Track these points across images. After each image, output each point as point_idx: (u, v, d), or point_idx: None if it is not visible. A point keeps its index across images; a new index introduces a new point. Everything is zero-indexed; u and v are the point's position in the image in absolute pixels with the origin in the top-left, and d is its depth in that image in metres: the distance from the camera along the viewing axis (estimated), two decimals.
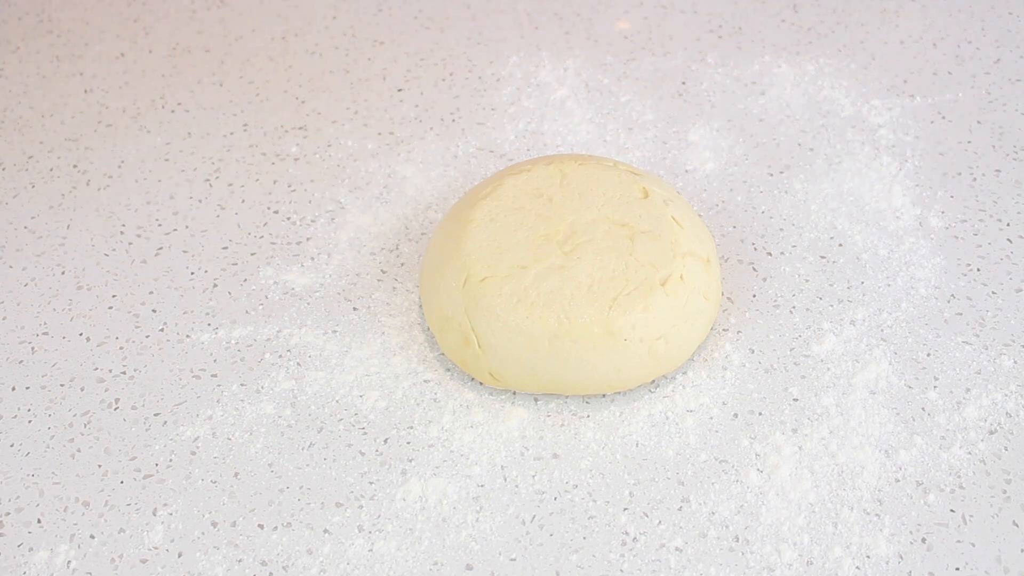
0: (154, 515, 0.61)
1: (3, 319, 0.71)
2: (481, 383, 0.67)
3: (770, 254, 0.74)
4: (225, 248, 0.75)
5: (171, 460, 0.63)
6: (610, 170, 0.76)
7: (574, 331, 0.65)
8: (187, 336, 0.70)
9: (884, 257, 0.73)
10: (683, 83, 0.87)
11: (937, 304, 0.70)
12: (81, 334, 0.70)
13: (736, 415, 0.65)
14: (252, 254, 0.75)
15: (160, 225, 0.77)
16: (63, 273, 0.74)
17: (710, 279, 0.70)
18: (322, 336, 0.69)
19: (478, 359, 0.66)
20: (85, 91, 0.88)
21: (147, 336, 0.70)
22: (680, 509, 0.60)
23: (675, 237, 0.70)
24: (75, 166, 0.81)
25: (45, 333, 0.70)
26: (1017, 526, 0.59)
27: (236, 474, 0.62)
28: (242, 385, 0.67)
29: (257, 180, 0.80)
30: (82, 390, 0.67)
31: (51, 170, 0.81)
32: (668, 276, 0.68)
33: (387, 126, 0.84)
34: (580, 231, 0.71)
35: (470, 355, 0.66)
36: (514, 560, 0.58)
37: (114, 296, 0.72)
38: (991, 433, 0.63)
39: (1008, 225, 0.75)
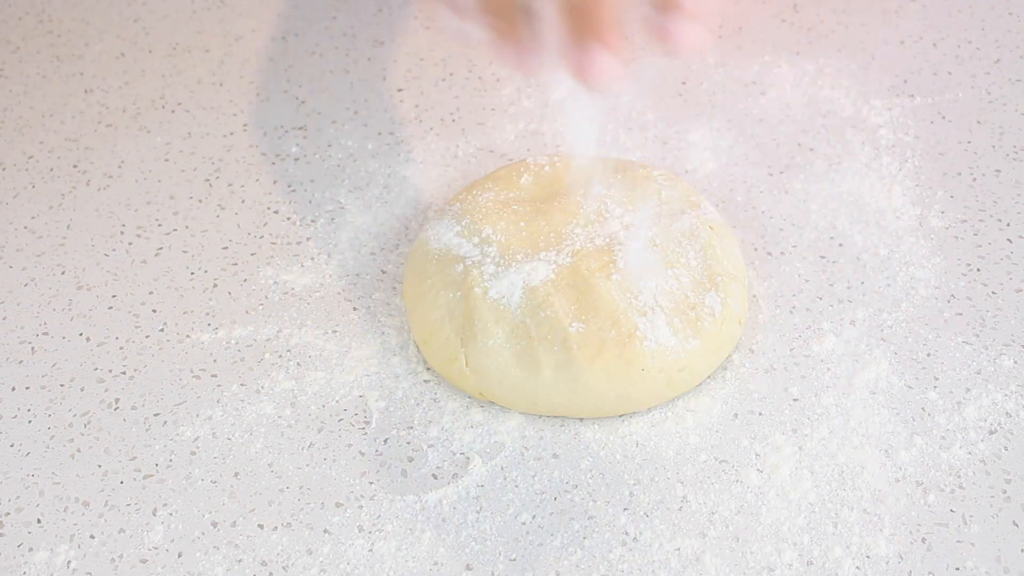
0: (154, 515, 0.61)
1: (3, 319, 0.71)
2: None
3: (770, 254, 0.74)
4: (225, 248, 0.75)
5: (171, 460, 0.63)
6: (638, 172, 0.72)
7: (583, 360, 0.62)
8: (187, 336, 0.70)
9: (884, 257, 0.73)
10: (683, 83, 0.87)
11: (937, 304, 0.70)
12: (81, 334, 0.70)
13: (736, 415, 0.65)
14: (252, 254, 0.75)
15: (160, 225, 0.77)
16: (63, 273, 0.74)
17: (745, 301, 0.67)
18: (322, 336, 0.69)
19: (466, 378, 0.64)
20: (85, 91, 0.88)
21: (147, 336, 0.70)
22: (680, 509, 0.60)
23: (712, 253, 0.67)
24: (75, 166, 0.81)
25: (45, 333, 0.70)
26: (1017, 526, 0.59)
27: (236, 474, 0.62)
28: (242, 385, 0.67)
29: (257, 180, 0.80)
30: (82, 390, 0.67)
31: (51, 170, 0.81)
32: (703, 300, 0.65)
33: (387, 126, 0.84)
34: (595, 241, 0.67)
35: (456, 371, 0.65)
36: (514, 560, 0.58)
37: (114, 296, 0.72)
38: (991, 433, 0.63)
39: (1008, 225, 0.75)
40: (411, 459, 0.63)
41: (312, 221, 0.77)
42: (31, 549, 0.59)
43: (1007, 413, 0.64)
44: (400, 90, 0.87)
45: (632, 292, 0.64)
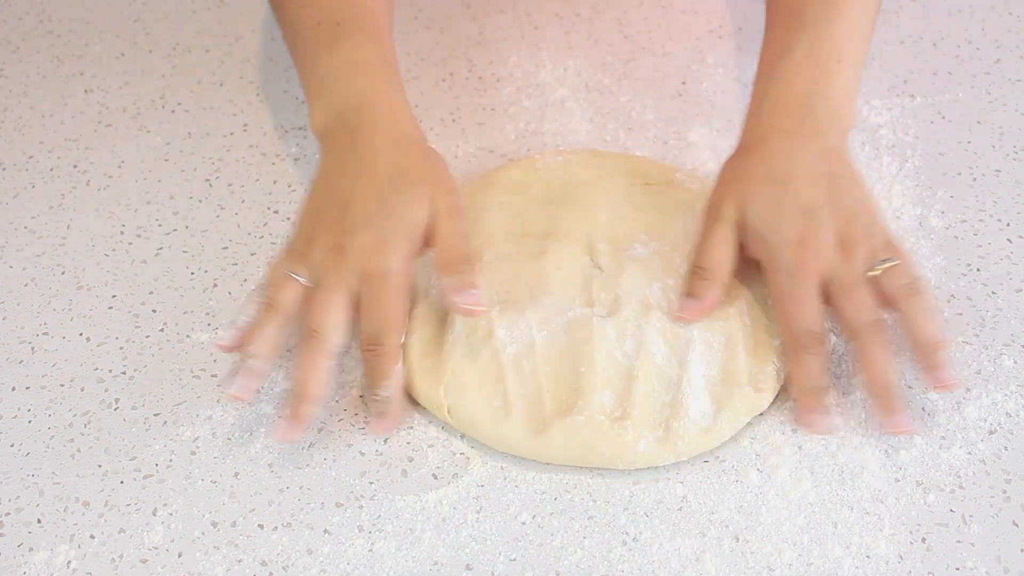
0: (154, 515, 0.61)
1: (3, 319, 0.71)
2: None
3: None
4: (225, 248, 0.75)
5: (171, 460, 0.63)
6: (663, 180, 0.70)
7: (610, 433, 0.59)
8: (187, 336, 0.70)
9: None
10: (683, 83, 0.87)
11: (937, 304, 0.70)
12: (81, 334, 0.70)
13: None
14: (252, 254, 0.75)
15: (160, 225, 0.77)
16: (63, 273, 0.74)
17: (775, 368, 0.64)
18: None
19: (447, 420, 0.62)
20: (85, 91, 0.88)
21: (147, 336, 0.70)
22: (680, 509, 0.60)
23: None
24: (75, 166, 0.81)
25: (45, 333, 0.70)
26: (1017, 526, 0.59)
27: (236, 474, 0.62)
28: None
29: (257, 180, 0.80)
30: (82, 390, 0.67)
31: (51, 170, 0.81)
32: (763, 369, 0.62)
33: None
34: (613, 271, 0.65)
35: (443, 417, 0.62)
36: (514, 560, 0.58)
37: (114, 296, 0.72)
38: (991, 433, 0.63)
39: (1008, 225, 0.75)
40: (411, 459, 0.63)
41: None
42: (31, 549, 0.59)
43: (1007, 413, 0.64)
44: None
45: (653, 346, 0.62)
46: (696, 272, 0.64)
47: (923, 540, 0.59)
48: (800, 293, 0.63)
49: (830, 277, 0.63)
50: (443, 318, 0.64)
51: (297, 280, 0.62)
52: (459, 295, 0.62)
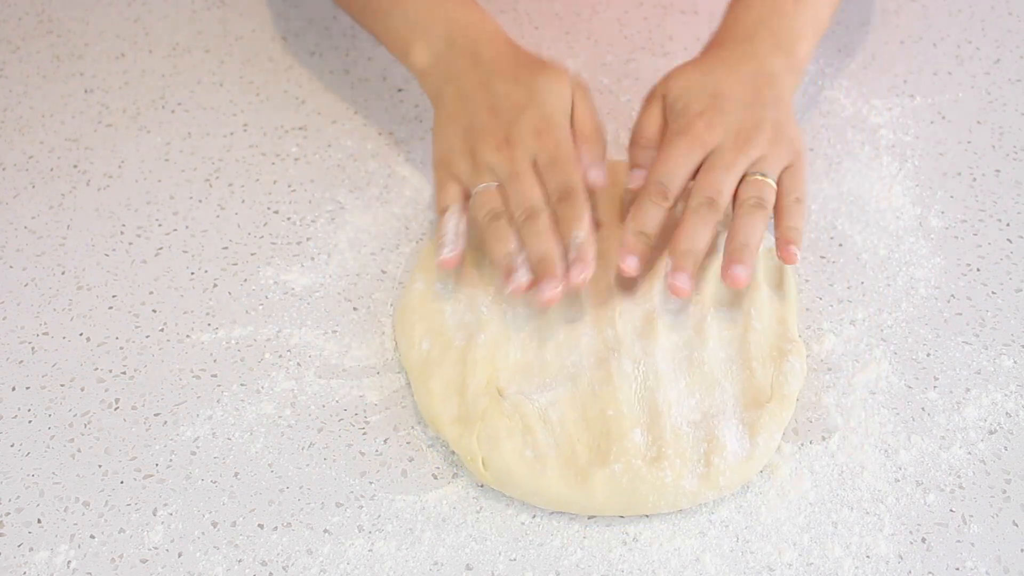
0: (154, 515, 0.61)
1: (3, 319, 0.71)
2: None
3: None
4: (225, 248, 0.75)
5: (171, 460, 0.63)
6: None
7: (651, 475, 0.57)
8: (187, 336, 0.70)
9: (884, 257, 0.73)
10: None
11: (937, 304, 0.70)
12: (81, 334, 0.70)
13: None
14: (252, 254, 0.75)
15: (160, 225, 0.77)
16: (63, 273, 0.74)
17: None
18: (322, 336, 0.69)
19: (479, 472, 0.60)
20: (85, 91, 0.88)
21: (147, 336, 0.70)
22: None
23: (782, 316, 0.65)
24: (75, 166, 0.81)
25: (45, 333, 0.70)
26: (1017, 526, 0.59)
27: (236, 474, 0.62)
28: (242, 385, 0.67)
29: (257, 180, 0.80)
30: (82, 390, 0.67)
31: (51, 170, 0.81)
32: (759, 388, 0.61)
33: (387, 126, 0.84)
34: (640, 304, 0.64)
35: (475, 470, 0.60)
36: (514, 560, 0.58)
37: (114, 296, 0.72)
38: (991, 433, 0.63)
39: (1008, 225, 0.75)
40: (411, 459, 0.63)
41: (312, 221, 0.77)
42: (31, 549, 0.59)
43: (1007, 413, 0.64)
44: (400, 90, 0.87)
45: (686, 379, 0.62)
46: (633, 147, 0.70)
47: (923, 540, 0.59)
48: (674, 150, 0.66)
49: (711, 154, 0.66)
50: (464, 358, 0.63)
51: (491, 187, 0.66)
52: (592, 171, 0.67)
